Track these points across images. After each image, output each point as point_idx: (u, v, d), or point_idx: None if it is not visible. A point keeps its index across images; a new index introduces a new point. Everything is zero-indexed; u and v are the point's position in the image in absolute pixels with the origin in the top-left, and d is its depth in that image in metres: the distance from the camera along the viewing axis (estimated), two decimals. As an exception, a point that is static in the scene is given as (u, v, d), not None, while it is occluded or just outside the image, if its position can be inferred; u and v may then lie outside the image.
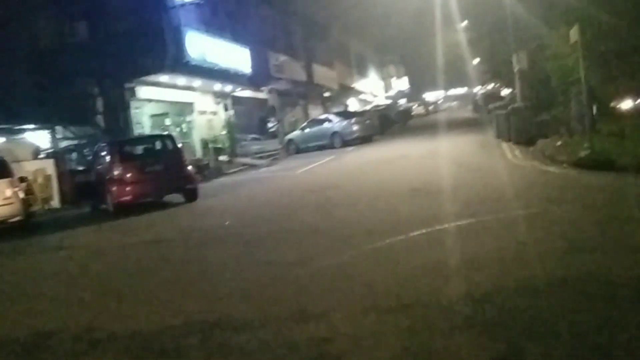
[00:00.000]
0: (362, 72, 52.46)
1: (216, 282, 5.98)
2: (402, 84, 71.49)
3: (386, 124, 33.84)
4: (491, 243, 5.91)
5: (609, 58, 17.97)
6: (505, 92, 40.79)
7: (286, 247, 7.19)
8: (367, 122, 26.57)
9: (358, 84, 48.77)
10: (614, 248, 5.20)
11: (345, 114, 28.41)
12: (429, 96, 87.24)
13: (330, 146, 25.22)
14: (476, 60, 77.62)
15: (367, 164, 16.10)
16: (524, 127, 16.20)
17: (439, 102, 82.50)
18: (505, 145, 16.28)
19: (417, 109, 55.27)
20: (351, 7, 49.49)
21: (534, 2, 18.56)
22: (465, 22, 51.62)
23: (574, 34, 13.23)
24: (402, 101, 63.47)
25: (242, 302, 5.07)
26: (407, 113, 45.99)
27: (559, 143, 14.39)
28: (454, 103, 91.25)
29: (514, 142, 16.21)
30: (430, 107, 65.24)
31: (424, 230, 6.78)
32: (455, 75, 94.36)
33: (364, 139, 25.19)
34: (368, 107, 41.63)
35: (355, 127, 25.31)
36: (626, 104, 21.41)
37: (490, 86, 58.19)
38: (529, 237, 6.02)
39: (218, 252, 7.62)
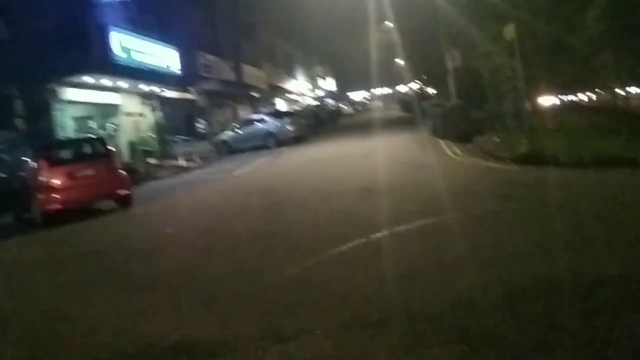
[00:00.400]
0: (290, 73, 52.18)
1: (170, 298, 5.41)
2: (329, 84, 71.81)
3: (319, 123, 33.67)
4: (461, 244, 5.67)
5: (533, 56, 18.46)
6: (431, 91, 41.68)
7: (242, 256, 6.69)
8: (302, 121, 26.27)
9: (286, 84, 48.46)
10: (590, 245, 5.06)
11: (280, 114, 27.94)
12: (355, 96, 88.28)
13: (264, 146, 24.61)
14: (400, 61, 79.73)
15: (308, 163, 15.76)
16: (460, 125, 16.34)
17: (365, 101, 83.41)
18: (442, 143, 16.35)
19: (346, 108, 55.50)
20: (278, 7, 49.23)
21: (464, 1, 18.81)
22: (391, 23, 52.67)
23: (509, 32, 13.37)
24: (330, 101, 63.65)
25: (204, 321, 4.55)
26: (337, 112, 46.03)
27: (495, 139, 14.54)
28: (380, 103, 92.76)
29: (451, 139, 16.30)
30: (358, 107, 65.80)
31: (386, 232, 6.49)
32: (380, 76, 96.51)
33: (299, 139, 24.87)
34: (299, 107, 41.32)
35: (290, 127, 24.90)
36: (550, 101, 22.18)
37: (416, 85, 59.47)
38: (497, 236, 5.85)
39: (166, 264, 6.99)
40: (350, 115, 53.86)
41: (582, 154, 11.14)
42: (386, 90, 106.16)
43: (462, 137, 16.02)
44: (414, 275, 4.83)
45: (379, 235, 6.42)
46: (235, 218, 9.58)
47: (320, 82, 67.81)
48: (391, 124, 29.00)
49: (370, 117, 42.59)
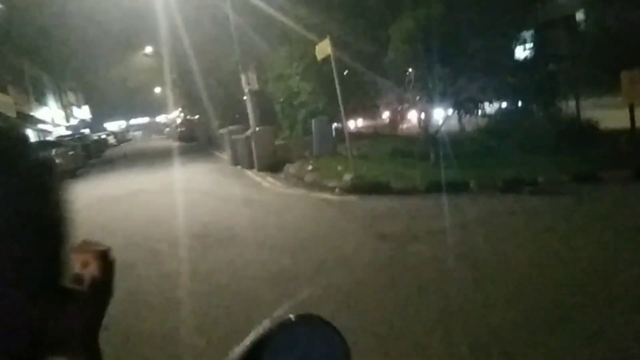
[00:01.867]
0: (40, 100, 46.11)
1: None
2: (83, 112, 65.72)
3: (88, 155, 29.62)
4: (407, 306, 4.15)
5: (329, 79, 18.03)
6: (194, 118, 39.82)
7: None
8: (71, 153, 22.31)
9: (37, 112, 42.56)
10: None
11: (45, 144, 23.45)
12: (113, 126, 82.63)
13: None
14: (158, 89, 76.54)
15: (101, 205, 12.73)
16: (266, 153, 14.98)
17: (124, 132, 78.64)
18: (251, 173, 14.86)
19: (110, 139, 50.87)
20: (23, 25, 43.40)
21: (251, 20, 17.66)
22: (152, 47, 49.84)
23: (322, 49, 12.35)
24: (85, 131, 58.13)
25: None
26: (102, 143, 41.62)
27: (309, 167, 13.49)
28: (138, 132, 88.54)
29: (259, 168, 14.86)
30: (122, 137, 61.27)
31: (280, 309, 4.63)
32: (140, 105, 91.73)
33: (70, 174, 21.03)
34: (55, 138, 36.22)
35: (57, 160, 20.86)
36: (351, 124, 22.14)
37: (178, 113, 57.18)
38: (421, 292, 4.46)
39: None
40: (115, 145, 49.41)
41: (411, 180, 10.64)
42: (146, 120, 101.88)
43: (271, 166, 14.68)
44: None
45: (269, 310, 4.56)
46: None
47: (75, 110, 61.53)
48: (171, 155, 26.38)
49: (138, 148, 39.28)
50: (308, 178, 12.50)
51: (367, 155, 14.19)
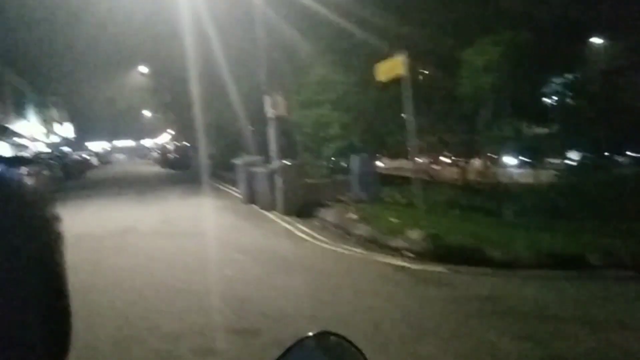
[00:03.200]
0: (19, 112, 42.61)
1: None
2: (66, 130, 62.09)
3: (67, 176, 26.08)
4: None
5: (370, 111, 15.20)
6: (186, 144, 36.62)
7: None
8: (44, 172, 18.63)
9: (14, 125, 39.03)
10: None
11: (14, 160, 19.70)
12: (95, 146, 78.94)
13: None
14: (149, 112, 73.25)
15: (75, 250, 9.26)
16: (294, 192, 11.89)
17: (108, 153, 75.19)
18: (273, 216, 11.70)
19: (92, 159, 47.23)
20: (8, 29, 40.36)
21: (276, 37, 14.76)
22: (145, 68, 46.71)
23: (391, 68, 9.45)
24: (66, 149, 54.64)
25: None
26: (84, 164, 37.99)
27: (353, 216, 10.42)
28: (121, 155, 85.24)
29: (284, 211, 11.72)
30: (103, 159, 57.72)
31: None
32: (123, 126, 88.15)
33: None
34: (35, 153, 32.58)
35: (28, 181, 17.16)
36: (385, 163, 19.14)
37: (168, 138, 53.89)
38: None
39: None
40: (96, 167, 45.74)
41: (508, 247, 7.83)
42: (130, 143, 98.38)
43: (299, 209, 11.59)
44: None
45: None
46: None
47: (56, 127, 57.89)
48: (161, 182, 23.16)
49: (123, 171, 35.80)
50: (357, 231, 9.46)
51: (417, 204, 11.18)
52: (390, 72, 9.43)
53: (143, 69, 49.02)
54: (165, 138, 71.12)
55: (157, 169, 38.11)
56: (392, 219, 9.85)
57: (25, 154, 34.23)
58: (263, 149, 15.17)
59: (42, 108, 53.13)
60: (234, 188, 16.49)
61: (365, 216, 10.29)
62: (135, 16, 29.52)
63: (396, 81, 10.30)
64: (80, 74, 61.90)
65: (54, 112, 58.86)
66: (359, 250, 8.34)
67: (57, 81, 57.43)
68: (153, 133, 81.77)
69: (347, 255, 8.00)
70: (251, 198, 13.35)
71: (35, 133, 46.97)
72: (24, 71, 44.75)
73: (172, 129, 44.80)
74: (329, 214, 10.94)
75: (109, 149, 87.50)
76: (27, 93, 47.40)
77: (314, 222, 10.73)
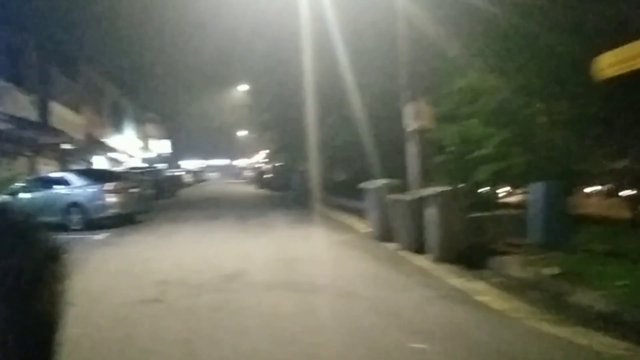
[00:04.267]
0: (117, 126, 41.98)
1: None
2: (162, 147, 61.84)
3: (159, 194, 24.02)
4: None
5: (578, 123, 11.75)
6: (284, 164, 34.38)
7: None
8: (134, 190, 16.37)
9: (111, 140, 38.19)
10: None
11: (96, 174, 17.55)
12: (190, 164, 79.05)
13: (63, 227, 14.11)
14: (243, 132, 72.54)
15: (156, 312, 6.25)
16: (454, 230, 8.64)
17: (202, 171, 75.07)
18: (426, 264, 8.47)
19: (187, 177, 45.98)
20: (111, 42, 40.11)
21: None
22: (246, 86, 45.14)
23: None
24: (162, 166, 54.16)
25: None
26: (178, 181, 36.45)
27: (551, 271, 7.04)
28: (215, 174, 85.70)
29: (440, 256, 8.49)
30: (199, 177, 56.85)
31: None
32: (217, 145, 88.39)
33: (128, 219, 15.15)
34: (127, 168, 31.10)
35: (110, 198, 14.75)
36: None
37: (263, 158, 52.20)
38: None
39: None
40: (192, 185, 44.30)
41: None
42: (222, 162, 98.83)
43: (461, 254, 8.33)
44: None
45: None
46: None
47: (152, 143, 57.67)
48: (259, 205, 20.59)
49: (217, 191, 33.79)
50: (576, 299, 6.08)
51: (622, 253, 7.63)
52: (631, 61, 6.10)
53: (243, 87, 47.81)
54: (259, 158, 70.11)
55: (252, 188, 35.95)
56: (618, 282, 6.44)
57: (119, 168, 33.07)
58: (389, 172, 12.22)
59: (139, 123, 52.92)
60: (350, 217, 13.58)
61: (574, 272, 6.91)
62: (239, 33, 27.78)
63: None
64: (179, 91, 61.95)
65: (150, 129, 58.82)
66: (606, 339, 4.99)
67: (156, 97, 57.56)
68: (247, 153, 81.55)
69: (597, 355, 4.67)
70: (385, 233, 10.21)
71: (131, 148, 46.43)
72: (123, 86, 44.42)
73: (268, 148, 42.77)
74: (508, 265, 7.64)
75: (204, 167, 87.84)
76: (126, 108, 47.03)
77: (490, 278, 7.45)
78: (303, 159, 22.27)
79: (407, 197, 9.41)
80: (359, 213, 13.91)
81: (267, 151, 43.70)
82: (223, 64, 38.29)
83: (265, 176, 35.46)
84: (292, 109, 23.39)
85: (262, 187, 34.44)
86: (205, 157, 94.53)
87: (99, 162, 35.36)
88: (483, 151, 11.36)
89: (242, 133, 73.86)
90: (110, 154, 38.53)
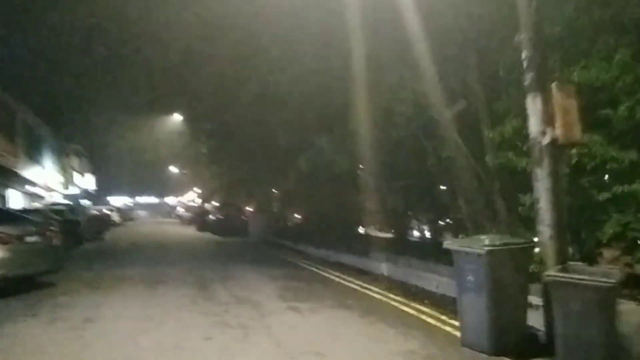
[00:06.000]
0: (34, 157, 35.93)
1: None
2: (86, 182, 55.40)
3: (75, 239, 18.33)
4: None
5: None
6: (230, 203, 29.66)
7: None
8: (36, 238, 10.47)
9: (27, 172, 32.28)
10: None
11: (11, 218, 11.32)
12: (116, 201, 72.49)
13: None
14: (175, 168, 67.20)
15: None
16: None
17: (129, 209, 68.96)
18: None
19: (114, 215, 40.13)
20: (31, 64, 34.70)
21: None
22: (180, 116, 40.58)
23: None
24: (85, 203, 47.89)
25: None
26: (105, 220, 30.78)
27: None
28: (143, 212, 79.90)
29: None
30: (127, 216, 50.90)
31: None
32: (146, 182, 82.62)
33: (24, 280, 9.65)
34: (40, 205, 25.10)
35: None
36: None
37: (194, 195, 47.23)
38: None
39: None
40: (119, 224, 38.48)
41: None
42: (153, 200, 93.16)
43: None
44: None
45: None
46: None
47: (76, 177, 51.36)
48: (220, 256, 15.79)
49: (155, 232, 28.48)
50: None
51: None
52: None
53: (177, 116, 43.05)
54: (191, 196, 65.05)
55: (191, 231, 30.79)
56: None
57: (38, 204, 27.39)
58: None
59: (61, 155, 46.70)
60: (364, 283, 9.19)
61: None
62: (174, 59, 23.26)
63: None
64: (105, 123, 55.83)
65: (74, 161, 52.57)
66: None
67: (83, 128, 51.54)
68: (177, 190, 76.47)
69: None
70: (499, 345, 5.67)
71: (52, 182, 40.27)
72: (43, 113, 38.47)
73: (207, 185, 37.82)
74: None
75: (132, 205, 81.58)
76: (45, 136, 40.91)
77: None
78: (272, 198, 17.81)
79: (596, 278, 4.87)
80: (363, 273, 10.76)
81: (197, 190, 38.83)
82: (157, 94, 33.50)
83: (209, 217, 30.28)
84: (249, 137, 19.02)
85: (204, 230, 29.41)
86: (133, 194, 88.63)
87: (13, 197, 29.51)
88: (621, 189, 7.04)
89: (174, 169, 68.48)
90: (27, 187, 32.64)
